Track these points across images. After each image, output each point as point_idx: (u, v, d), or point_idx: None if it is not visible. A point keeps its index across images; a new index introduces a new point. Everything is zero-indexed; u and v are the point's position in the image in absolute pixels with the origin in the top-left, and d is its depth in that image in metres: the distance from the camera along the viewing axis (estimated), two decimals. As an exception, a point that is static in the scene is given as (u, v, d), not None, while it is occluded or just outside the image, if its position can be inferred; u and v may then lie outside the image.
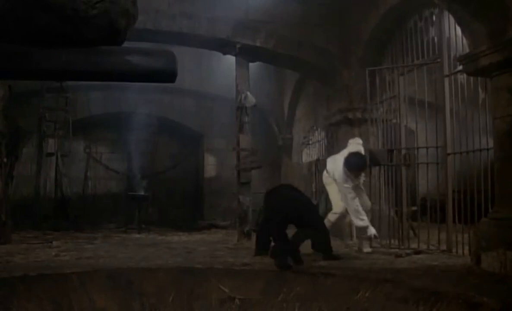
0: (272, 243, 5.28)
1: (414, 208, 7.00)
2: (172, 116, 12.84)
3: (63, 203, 11.14)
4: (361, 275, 4.06)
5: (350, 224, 7.11)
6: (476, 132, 5.31)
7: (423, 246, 6.02)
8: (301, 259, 4.90)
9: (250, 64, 8.42)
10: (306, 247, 5.43)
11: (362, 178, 6.15)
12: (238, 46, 8.05)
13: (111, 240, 8.06)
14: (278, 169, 12.71)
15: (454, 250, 5.65)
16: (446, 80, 5.85)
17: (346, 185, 5.84)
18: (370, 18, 7.52)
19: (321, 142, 10.43)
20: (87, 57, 2.17)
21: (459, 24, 4.95)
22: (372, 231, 5.77)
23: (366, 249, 5.95)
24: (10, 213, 7.40)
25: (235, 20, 8.00)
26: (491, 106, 4.62)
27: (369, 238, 5.91)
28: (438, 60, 5.98)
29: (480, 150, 5.20)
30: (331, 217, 6.20)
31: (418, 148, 6.46)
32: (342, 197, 5.98)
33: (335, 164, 6.12)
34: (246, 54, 8.22)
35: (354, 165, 5.87)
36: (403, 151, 6.49)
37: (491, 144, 4.77)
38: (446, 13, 5.68)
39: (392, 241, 6.35)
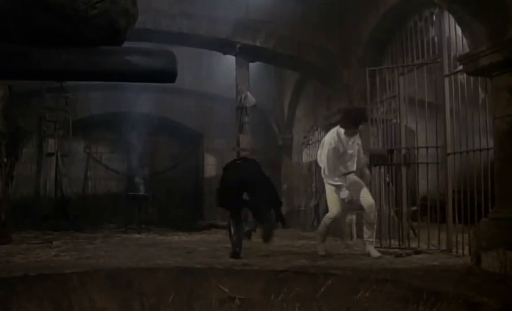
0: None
1: (414, 208, 7.00)
2: (172, 116, 12.85)
3: (63, 203, 11.14)
4: (361, 275, 4.06)
5: (350, 224, 7.12)
6: (476, 132, 5.31)
7: (423, 246, 6.02)
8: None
9: (250, 64, 8.43)
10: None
11: (359, 155, 5.87)
12: (238, 46, 8.06)
13: (111, 240, 8.06)
14: (278, 169, 12.70)
15: (454, 250, 5.65)
16: (446, 80, 5.86)
17: (332, 154, 5.65)
18: (370, 18, 7.53)
19: (320, 142, 10.43)
20: (87, 57, 2.17)
21: (459, 24, 4.95)
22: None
23: (374, 253, 5.66)
24: (10, 213, 7.41)
25: (235, 20, 8.01)
26: (491, 106, 4.62)
27: (371, 242, 5.71)
28: (438, 60, 5.98)
29: (480, 150, 5.20)
30: (326, 220, 5.88)
31: (418, 148, 6.46)
32: (326, 150, 5.71)
33: (322, 147, 5.94)
34: (246, 54, 8.23)
35: (353, 116, 5.82)
36: (403, 151, 6.49)
37: (491, 144, 4.77)
38: (446, 13, 5.68)
39: (392, 241, 6.35)
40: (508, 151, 4.29)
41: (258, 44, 8.20)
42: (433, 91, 6.13)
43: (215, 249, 6.50)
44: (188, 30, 7.93)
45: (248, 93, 8.07)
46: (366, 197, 5.64)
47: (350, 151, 5.71)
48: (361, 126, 5.86)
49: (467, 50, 4.85)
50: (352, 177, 5.71)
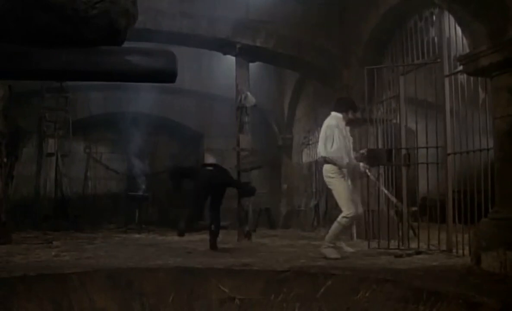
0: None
1: (414, 208, 7.00)
2: (172, 116, 12.84)
3: (63, 203, 11.14)
4: (361, 275, 4.06)
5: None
6: (476, 132, 5.30)
7: (424, 246, 6.01)
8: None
9: (250, 64, 8.43)
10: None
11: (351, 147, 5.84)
12: (238, 46, 8.05)
13: (111, 240, 8.06)
14: (278, 169, 12.71)
15: (454, 250, 5.65)
16: (446, 80, 5.85)
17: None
18: (370, 18, 7.53)
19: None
20: (87, 57, 2.17)
21: (459, 24, 4.95)
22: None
23: (347, 249, 5.80)
24: (10, 213, 7.41)
25: (235, 20, 8.01)
26: (491, 106, 4.61)
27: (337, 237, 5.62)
28: (438, 60, 5.98)
29: (480, 150, 5.20)
30: (343, 221, 5.49)
31: (418, 148, 6.45)
32: (330, 133, 5.60)
33: (324, 136, 5.79)
34: (246, 54, 8.23)
35: (347, 99, 5.88)
36: (403, 151, 6.48)
37: (491, 144, 4.77)
38: (446, 13, 5.68)
39: (392, 241, 6.34)
40: (508, 151, 4.29)
41: (258, 44, 8.20)
42: (433, 91, 6.13)
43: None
44: (188, 30, 7.93)
45: (248, 93, 8.07)
46: (356, 203, 5.66)
47: (348, 143, 5.71)
48: (351, 115, 5.82)
49: (467, 50, 4.85)
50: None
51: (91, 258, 5.43)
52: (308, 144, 11.23)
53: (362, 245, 6.73)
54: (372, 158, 6.06)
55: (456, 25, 5.23)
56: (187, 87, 11.17)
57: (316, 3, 8.30)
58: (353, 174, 5.87)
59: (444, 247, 5.85)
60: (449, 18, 5.61)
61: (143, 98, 11.33)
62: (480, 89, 5.29)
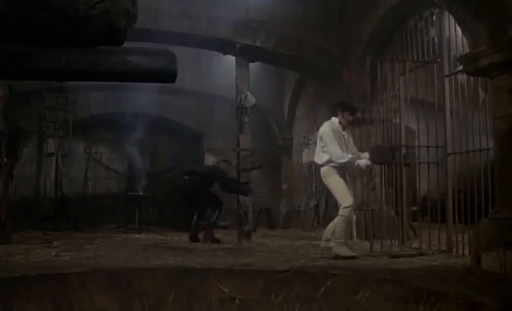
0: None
1: (414, 208, 7.00)
2: (172, 116, 12.84)
3: (63, 203, 11.13)
4: (361, 275, 4.06)
5: (351, 224, 7.11)
6: (476, 132, 5.30)
7: (424, 246, 6.01)
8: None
9: (250, 64, 8.43)
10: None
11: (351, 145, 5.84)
12: (238, 46, 8.06)
13: (111, 240, 8.06)
14: (278, 169, 12.71)
15: (454, 250, 5.65)
16: (446, 80, 5.85)
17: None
18: (370, 18, 7.53)
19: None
20: (87, 57, 2.16)
21: (459, 24, 4.95)
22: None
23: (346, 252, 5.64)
24: (10, 213, 7.41)
25: (235, 20, 8.01)
26: (491, 106, 4.61)
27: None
28: (438, 60, 5.98)
29: (480, 150, 5.20)
30: (344, 212, 5.49)
31: (418, 147, 6.45)
32: (329, 145, 5.58)
33: (320, 140, 5.82)
34: (246, 54, 8.23)
35: (346, 103, 5.85)
36: (403, 151, 6.48)
37: (491, 144, 4.77)
38: (446, 13, 5.68)
39: (392, 241, 6.34)
40: (508, 151, 4.29)
41: (258, 44, 8.20)
42: (433, 91, 6.13)
43: (215, 249, 6.50)
44: (188, 30, 7.93)
45: (248, 93, 8.07)
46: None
47: (344, 148, 5.71)
48: (351, 118, 5.83)
49: (467, 50, 4.85)
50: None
51: (91, 258, 5.43)
52: (308, 144, 11.23)
53: (362, 245, 6.73)
54: (377, 155, 5.94)
55: (456, 25, 5.23)
56: (187, 87, 11.17)
57: (316, 3, 8.30)
58: (353, 173, 5.86)
59: (444, 247, 5.85)
60: (449, 18, 5.61)
61: (143, 98, 11.34)
62: (480, 89, 5.29)
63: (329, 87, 8.84)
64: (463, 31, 4.97)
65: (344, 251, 5.38)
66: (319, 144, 5.78)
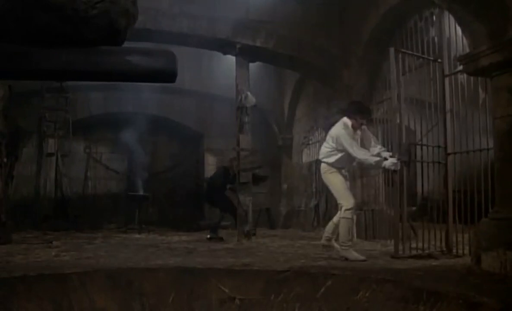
0: None
1: (414, 208, 6.99)
2: (172, 116, 12.85)
3: (63, 203, 11.14)
4: (361, 275, 4.06)
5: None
6: (476, 132, 5.30)
7: (424, 246, 6.00)
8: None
9: (250, 64, 8.42)
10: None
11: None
12: (238, 46, 8.06)
13: (111, 240, 8.06)
14: (278, 169, 12.71)
15: (454, 250, 5.65)
16: (446, 80, 5.85)
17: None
18: (370, 18, 7.53)
19: (321, 142, 10.42)
20: (87, 57, 2.17)
21: (459, 24, 4.95)
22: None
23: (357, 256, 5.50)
24: (10, 213, 7.41)
25: (235, 20, 8.01)
26: (491, 106, 4.61)
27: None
28: (439, 60, 5.98)
29: (480, 150, 5.20)
30: (346, 214, 5.43)
31: (418, 146, 6.43)
32: (348, 148, 5.37)
33: (324, 142, 5.73)
34: (246, 54, 8.23)
35: (359, 106, 5.64)
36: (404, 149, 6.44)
37: (491, 144, 4.77)
38: (446, 13, 5.68)
39: (393, 241, 6.33)
40: (508, 151, 4.29)
41: (258, 44, 8.20)
42: (434, 91, 6.12)
43: (215, 249, 6.50)
44: (188, 30, 7.93)
45: (248, 93, 8.07)
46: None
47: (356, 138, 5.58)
48: (364, 121, 5.76)
49: (467, 50, 4.85)
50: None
51: (91, 258, 5.43)
52: (308, 144, 11.24)
53: (362, 245, 6.73)
54: (405, 154, 5.60)
55: (456, 25, 5.23)
56: (187, 87, 11.18)
57: (316, 3, 8.30)
58: (353, 173, 5.82)
59: (444, 247, 5.84)
60: (449, 18, 5.61)
61: (143, 98, 11.34)
62: (480, 89, 5.29)
63: (329, 87, 8.84)
64: (463, 31, 4.97)
65: (353, 255, 5.32)
66: (329, 143, 5.60)
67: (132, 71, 2.22)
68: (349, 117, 5.60)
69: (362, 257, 5.28)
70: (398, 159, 5.29)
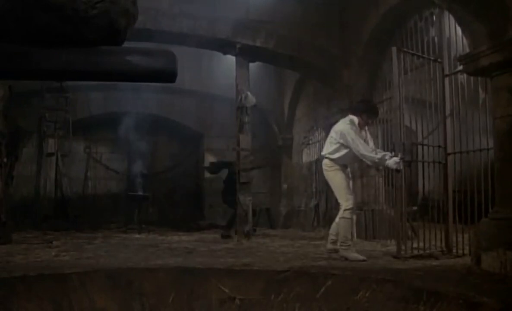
0: None
1: (414, 208, 6.99)
2: (172, 116, 12.86)
3: (63, 203, 11.15)
4: (361, 275, 4.06)
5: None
6: (476, 132, 5.30)
7: (424, 246, 6.00)
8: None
9: (250, 64, 8.43)
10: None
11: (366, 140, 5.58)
12: (238, 46, 8.06)
13: (111, 240, 8.06)
14: (278, 169, 12.71)
15: (454, 250, 5.65)
16: (446, 80, 5.85)
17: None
18: (370, 18, 7.53)
19: (321, 142, 10.42)
20: (87, 57, 2.16)
21: (459, 24, 4.95)
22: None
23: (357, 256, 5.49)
24: (10, 213, 7.41)
25: (235, 20, 8.01)
26: (491, 106, 4.61)
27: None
28: (439, 60, 5.97)
29: (480, 150, 5.20)
30: (346, 214, 5.41)
31: (418, 145, 6.43)
32: (351, 143, 5.32)
33: (329, 138, 5.68)
34: (246, 54, 8.23)
35: (367, 106, 5.61)
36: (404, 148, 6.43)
37: (491, 144, 4.77)
38: (446, 13, 5.68)
39: (392, 241, 6.34)
40: (508, 151, 4.29)
41: (258, 44, 8.20)
42: (433, 91, 6.11)
43: (215, 249, 6.50)
44: (188, 30, 7.93)
45: (248, 93, 8.07)
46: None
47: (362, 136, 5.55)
48: (370, 121, 5.74)
49: (467, 50, 4.85)
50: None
51: (91, 258, 5.43)
52: (308, 144, 11.24)
53: (362, 245, 6.73)
54: (408, 153, 5.58)
55: (456, 25, 5.23)
56: (187, 87, 11.18)
57: (316, 3, 8.30)
58: (353, 173, 5.79)
59: (444, 247, 5.84)
60: (449, 18, 5.61)
61: (143, 98, 11.35)
62: (480, 89, 5.29)
63: (329, 87, 8.84)
64: (463, 31, 4.97)
65: (353, 256, 5.30)
66: (334, 138, 5.55)
67: (132, 71, 2.22)
68: (356, 114, 5.58)
69: (362, 257, 5.27)
70: (400, 159, 5.28)
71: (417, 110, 6.37)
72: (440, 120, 5.94)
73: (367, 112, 5.59)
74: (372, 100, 6.74)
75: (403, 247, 5.34)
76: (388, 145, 6.83)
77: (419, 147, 5.96)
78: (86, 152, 13.09)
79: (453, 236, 5.72)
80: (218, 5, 7.94)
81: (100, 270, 4.29)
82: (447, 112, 5.83)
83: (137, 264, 4.76)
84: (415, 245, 5.68)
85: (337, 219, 5.53)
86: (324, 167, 5.65)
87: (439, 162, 5.86)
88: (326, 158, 5.57)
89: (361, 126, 5.55)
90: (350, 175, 5.68)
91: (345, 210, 5.39)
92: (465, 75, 5.28)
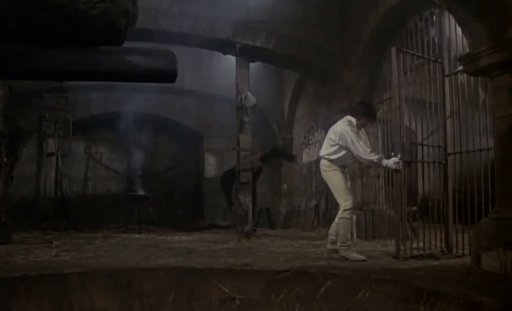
0: None
1: (414, 208, 6.99)
2: (172, 116, 12.86)
3: (63, 203, 11.14)
4: (361, 275, 4.06)
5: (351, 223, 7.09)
6: (476, 132, 5.30)
7: (424, 246, 6.00)
8: None
9: (250, 64, 8.42)
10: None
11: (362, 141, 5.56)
12: (238, 46, 8.05)
13: (111, 240, 8.06)
14: (278, 169, 12.71)
15: (454, 250, 5.65)
16: (446, 80, 5.85)
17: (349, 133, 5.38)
18: (370, 18, 7.53)
19: (321, 142, 10.41)
20: (87, 57, 2.17)
21: (459, 24, 4.95)
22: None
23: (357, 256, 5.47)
24: (10, 213, 7.40)
25: (235, 20, 8.01)
26: (491, 106, 4.62)
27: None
28: (439, 60, 5.98)
29: (480, 150, 5.20)
30: (345, 214, 5.40)
31: (420, 145, 6.43)
32: (350, 145, 5.33)
33: (327, 138, 5.67)
34: (246, 54, 8.22)
35: (366, 109, 5.61)
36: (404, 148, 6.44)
37: (491, 144, 4.77)
38: (446, 13, 5.68)
39: (392, 241, 6.34)
40: (508, 151, 4.29)
41: (258, 44, 8.20)
42: (434, 91, 6.12)
43: (215, 249, 6.50)
44: (188, 30, 7.93)
45: (248, 93, 8.07)
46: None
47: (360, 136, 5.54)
48: (369, 124, 5.74)
49: (467, 50, 4.85)
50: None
51: (91, 258, 5.43)
52: (308, 144, 11.23)
53: (362, 245, 6.73)
54: (407, 153, 5.56)
55: (456, 25, 5.23)
56: (187, 87, 11.17)
57: (316, 3, 8.30)
58: (353, 173, 5.79)
59: (444, 247, 5.84)
60: (449, 18, 5.61)
61: (143, 98, 11.35)
62: (480, 89, 5.29)
63: (329, 87, 8.84)
64: (463, 31, 4.97)
65: (353, 256, 5.30)
66: (333, 139, 5.55)
67: (132, 71, 2.22)
68: (354, 116, 5.59)
69: (362, 257, 5.27)
70: (400, 159, 5.28)
71: (417, 110, 6.38)
72: (440, 120, 5.94)
73: (367, 115, 5.61)
74: (372, 102, 6.73)
75: (402, 247, 5.34)
76: (388, 145, 6.82)
77: (419, 147, 5.96)
78: (86, 152, 13.09)
79: (453, 236, 5.72)
80: (218, 5, 7.93)
81: (100, 270, 4.29)
82: (447, 112, 5.84)
83: (137, 264, 4.76)
84: (415, 245, 5.68)
85: (336, 219, 5.53)
86: (322, 167, 5.65)
87: (439, 162, 5.86)
88: (325, 158, 5.58)
89: (358, 127, 5.56)
90: (348, 176, 5.68)
91: (344, 210, 5.39)
92: (465, 75, 5.28)
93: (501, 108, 4.36)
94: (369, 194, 7.95)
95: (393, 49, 5.60)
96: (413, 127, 6.24)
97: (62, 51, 2.13)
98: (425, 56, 5.96)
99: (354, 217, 7.04)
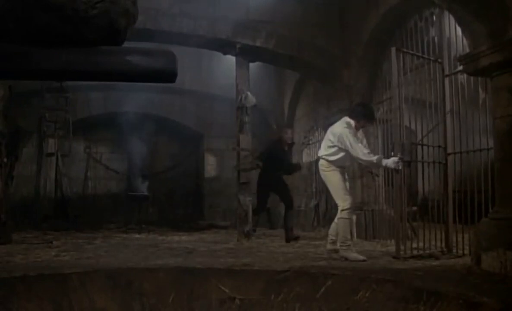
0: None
1: (414, 208, 6.99)
2: (172, 116, 12.85)
3: (63, 203, 11.14)
4: (361, 275, 4.06)
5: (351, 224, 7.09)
6: (476, 132, 5.30)
7: (424, 246, 6.00)
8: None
9: (250, 64, 8.42)
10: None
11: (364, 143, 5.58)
12: (238, 46, 8.05)
13: (111, 240, 8.06)
14: (278, 169, 12.68)
15: (454, 250, 5.65)
16: (446, 80, 5.85)
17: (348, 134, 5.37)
18: (370, 18, 7.53)
19: (321, 142, 10.41)
20: (87, 57, 2.17)
21: (459, 24, 4.95)
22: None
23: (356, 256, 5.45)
24: (10, 213, 7.41)
25: (235, 20, 8.01)
26: (491, 106, 4.62)
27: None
28: (439, 60, 5.98)
29: (480, 150, 5.20)
30: (344, 214, 5.40)
31: (420, 145, 6.43)
32: (349, 147, 5.31)
33: (326, 139, 5.68)
34: (246, 54, 8.22)
35: (365, 110, 5.59)
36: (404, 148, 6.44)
37: (491, 144, 4.77)
38: (446, 13, 5.68)
39: (392, 241, 6.34)
40: (508, 151, 4.29)
41: (258, 44, 8.20)
42: (433, 91, 6.11)
43: (215, 249, 6.50)
44: (188, 30, 7.93)
45: (248, 93, 8.07)
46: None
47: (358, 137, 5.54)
48: (368, 125, 5.74)
49: (467, 50, 4.85)
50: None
51: (91, 258, 5.43)
52: (308, 144, 11.23)
53: (362, 245, 6.73)
54: (407, 153, 5.58)
55: (456, 25, 5.23)
56: (187, 87, 11.17)
57: (316, 3, 8.30)
58: (353, 173, 5.79)
59: (444, 247, 5.84)
60: (449, 18, 5.61)
61: (143, 98, 11.35)
62: (480, 89, 5.29)
63: (329, 87, 8.84)
64: (463, 31, 4.97)
65: (353, 256, 5.29)
66: (331, 140, 5.54)
67: (132, 71, 2.22)
68: (352, 118, 5.59)
69: (362, 257, 5.27)
70: (400, 159, 5.28)
71: (417, 110, 6.38)
72: (440, 120, 5.94)
73: (365, 116, 5.61)
74: (371, 102, 6.73)
75: (402, 247, 5.34)
76: (388, 145, 6.82)
77: (419, 147, 5.96)
78: (86, 152, 13.09)
79: (453, 236, 5.72)
80: (218, 5, 7.93)
81: (100, 270, 4.29)
82: (447, 112, 5.84)
83: (137, 264, 4.76)
84: (415, 245, 5.68)
85: (336, 220, 5.53)
86: (321, 168, 5.65)
87: (439, 162, 5.86)
88: (323, 159, 5.59)
89: (357, 129, 5.57)
90: (346, 176, 5.68)
91: (342, 210, 5.40)
92: (465, 75, 5.28)
93: (501, 108, 4.36)
94: (369, 194, 7.96)
95: (393, 49, 5.60)
96: (413, 127, 6.24)
97: (62, 51, 2.14)
98: (425, 56, 5.96)
99: (354, 217, 7.04)
